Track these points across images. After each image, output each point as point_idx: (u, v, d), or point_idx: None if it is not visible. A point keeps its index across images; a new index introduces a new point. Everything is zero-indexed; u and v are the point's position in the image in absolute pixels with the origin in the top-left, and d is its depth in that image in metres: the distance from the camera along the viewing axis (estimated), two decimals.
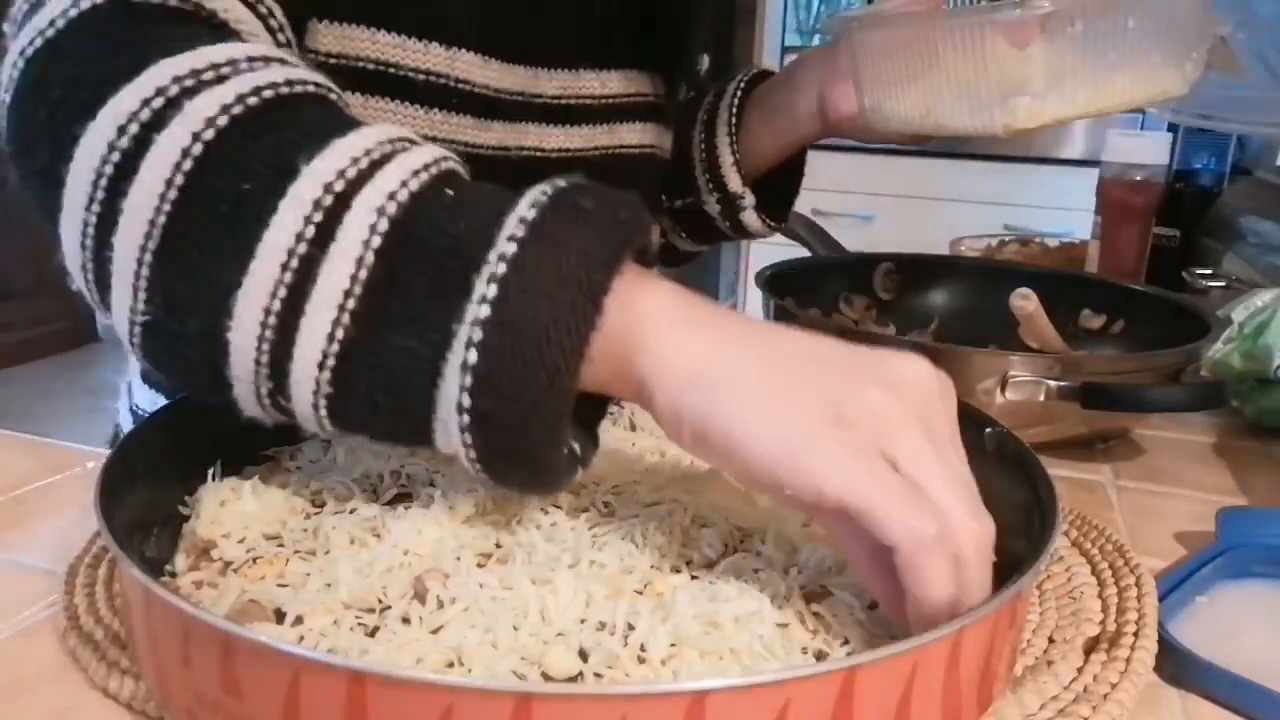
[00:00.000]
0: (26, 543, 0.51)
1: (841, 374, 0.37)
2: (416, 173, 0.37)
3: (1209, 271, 1.14)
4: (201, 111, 0.38)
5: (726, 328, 0.38)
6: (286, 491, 0.47)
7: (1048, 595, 0.47)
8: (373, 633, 0.37)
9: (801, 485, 0.34)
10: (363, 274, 0.36)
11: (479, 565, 0.42)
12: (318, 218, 0.36)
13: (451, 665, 0.35)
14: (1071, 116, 0.63)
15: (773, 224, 0.85)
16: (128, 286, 0.39)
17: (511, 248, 0.35)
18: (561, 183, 0.37)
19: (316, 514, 0.46)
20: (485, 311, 0.34)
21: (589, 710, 0.29)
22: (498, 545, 0.43)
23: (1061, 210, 2.18)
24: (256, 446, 0.52)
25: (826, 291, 0.89)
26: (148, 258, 0.38)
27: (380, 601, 0.39)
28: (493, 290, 0.34)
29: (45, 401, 3.15)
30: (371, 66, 0.58)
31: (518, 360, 0.34)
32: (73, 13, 0.42)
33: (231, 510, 0.45)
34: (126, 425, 0.78)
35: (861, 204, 2.46)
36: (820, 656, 0.37)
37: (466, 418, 0.36)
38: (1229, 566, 0.50)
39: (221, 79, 0.39)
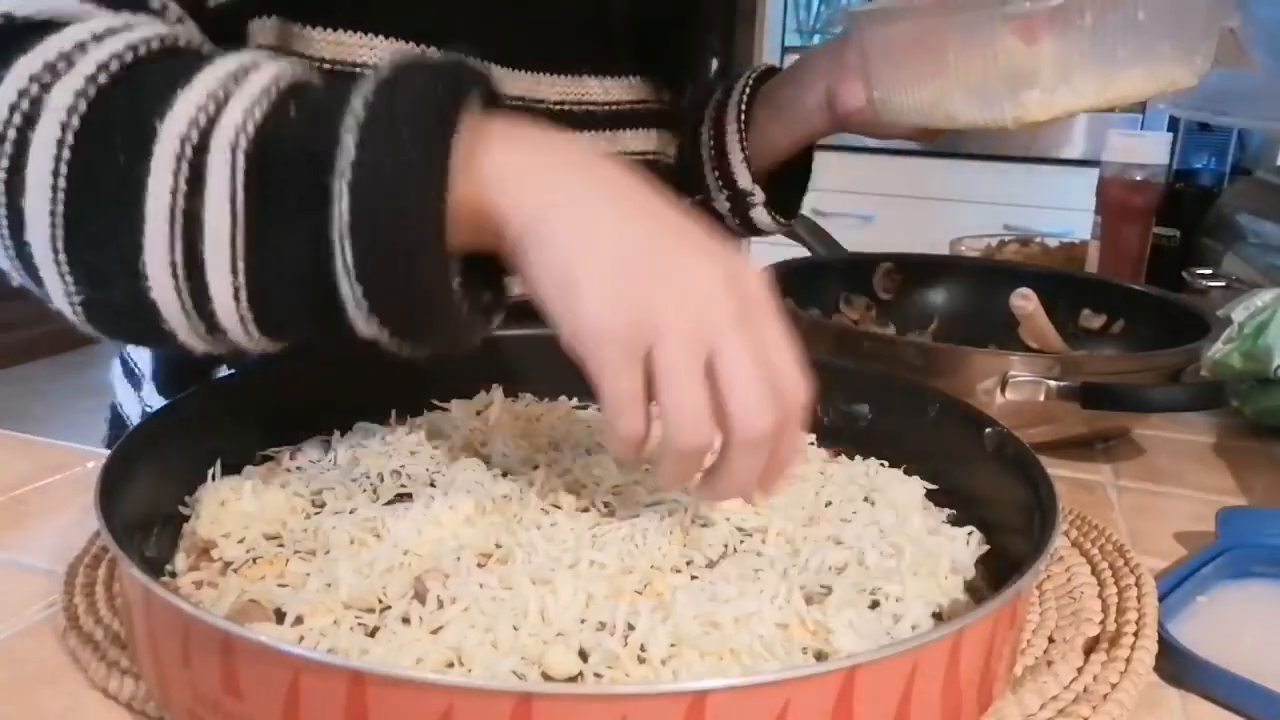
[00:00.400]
0: (26, 543, 0.51)
1: (670, 256, 0.39)
2: (257, 100, 0.40)
3: (1209, 271, 1.14)
4: (60, 103, 0.40)
5: (577, 173, 0.41)
6: (286, 491, 0.47)
7: (1048, 595, 0.47)
8: (373, 633, 0.37)
9: (563, 322, 0.38)
10: (239, 208, 0.39)
11: (479, 565, 0.42)
12: (184, 170, 0.39)
13: (451, 665, 0.35)
14: (1081, 108, 0.63)
15: (783, 220, 0.85)
16: (54, 275, 0.42)
17: (351, 138, 0.37)
18: (385, 70, 0.39)
19: (316, 514, 0.46)
20: (347, 202, 0.37)
21: (589, 710, 0.29)
22: (498, 545, 0.43)
23: (1061, 210, 2.18)
24: (256, 446, 0.52)
25: (826, 291, 0.89)
26: (59, 245, 0.41)
27: (380, 601, 0.39)
28: (347, 178, 0.37)
29: (45, 401, 3.15)
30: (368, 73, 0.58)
31: (385, 221, 0.37)
32: None
33: (231, 510, 0.45)
34: (115, 423, 0.78)
35: (861, 204, 2.46)
36: (820, 656, 0.37)
37: (361, 291, 0.38)
38: (1229, 566, 0.50)
39: (71, 65, 0.41)
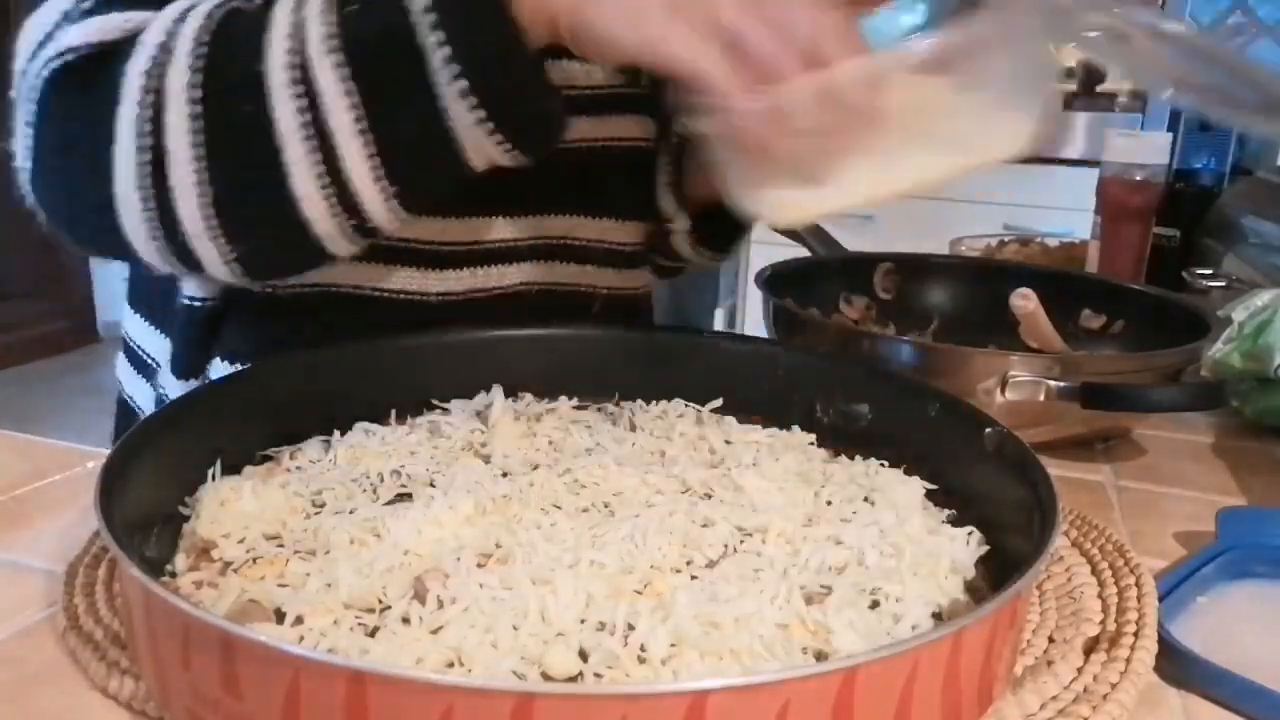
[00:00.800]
0: (26, 543, 0.51)
1: None
2: (324, 11, 0.47)
3: (1209, 271, 1.14)
4: (178, 84, 0.48)
5: None
6: (287, 491, 0.47)
7: (1048, 595, 0.47)
8: (373, 633, 0.37)
9: (644, 53, 0.44)
10: (355, 101, 0.47)
11: (479, 565, 0.42)
12: (299, 90, 0.47)
13: (451, 665, 0.35)
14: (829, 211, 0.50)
15: (706, 254, 0.81)
16: (207, 244, 0.50)
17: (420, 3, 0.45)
18: None
19: (316, 514, 0.46)
20: (444, 52, 0.45)
21: (589, 710, 0.29)
22: (498, 545, 0.43)
23: (1061, 210, 2.18)
24: (256, 446, 0.52)
25: (826, 291, 0.89)
26: (211, 211, 0.49)
27: (380, 601, 0.39)
28: (437, 35, 0.45)
29: (45, 401, 3.15)
30: None
31: (485, 59, 0.46)
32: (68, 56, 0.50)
33: (231, 510, 0.45)
34: (123, 416, 0.78)
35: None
36: (820, 656, 0.37)
37: (483, 116, 0.47)
38: (1229, 566, 0.50)
39: (169, 52, 0.48)
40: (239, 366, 0.67)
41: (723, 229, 0.80)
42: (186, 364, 0.70)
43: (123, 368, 0.77)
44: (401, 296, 0.67)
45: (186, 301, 0.68)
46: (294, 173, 0.47)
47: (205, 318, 0.68)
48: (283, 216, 0.49)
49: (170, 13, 0.50)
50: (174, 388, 0.71)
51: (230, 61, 0.48)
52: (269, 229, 0.50)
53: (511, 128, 0.48)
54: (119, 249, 0.52)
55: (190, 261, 0.51)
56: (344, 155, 0.47)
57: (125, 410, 0.78)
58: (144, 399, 0.75)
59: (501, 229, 0.70)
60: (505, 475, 0.50)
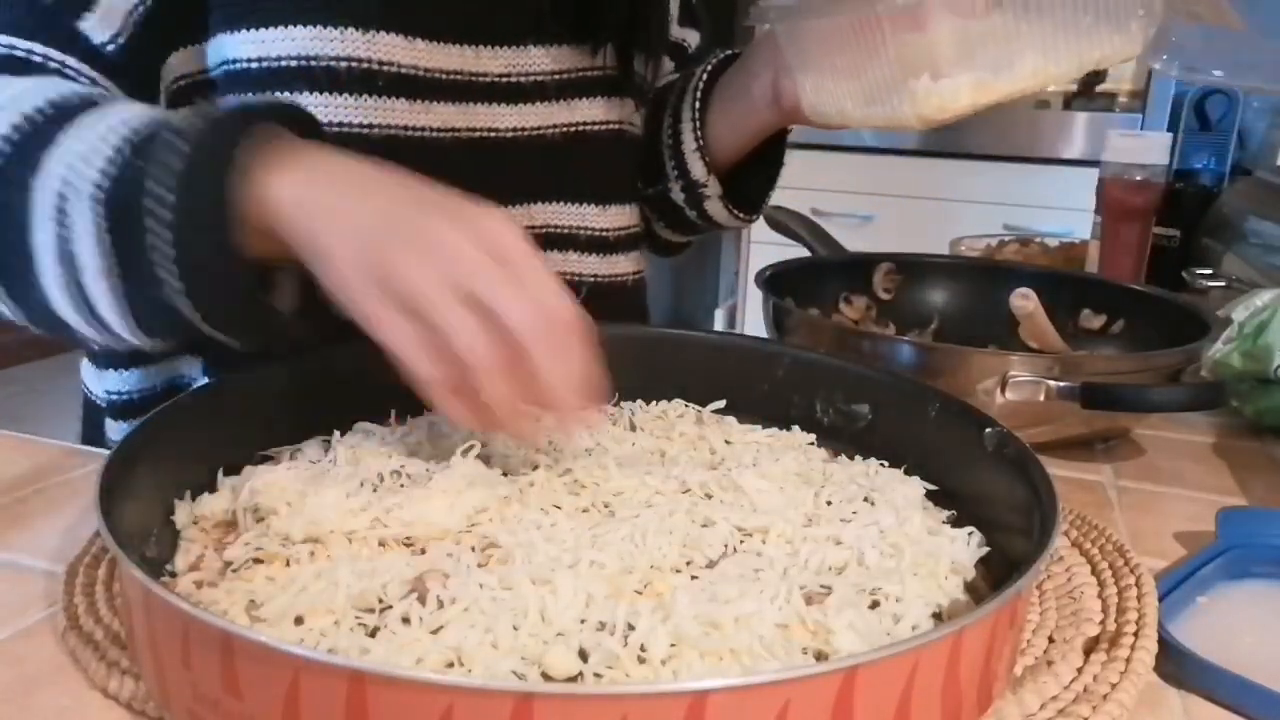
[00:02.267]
0: (26, 543, 0.51)
1: (413, 221, 0.45)
2: (111, 157, 0.47)
3: (1209, 271, 1.14)
4: None
5: (338, 182, 0.47)
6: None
7: (1048, 595, 0.47)
8: (373, 633, 0.37)
9: (336, 299, 0.45)
10: (106, 247, 0.47)
11: (479, 565, 0.42)
12: (60, 218, 0.48)
13: (451, 665, 0.35)
14: (994, 96, 0.57)
15: (741, 215, 0.82)
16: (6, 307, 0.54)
17: (164, 192, 0.45)
18: (192, 126, 0.47)
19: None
20: (169, 239, 0.46)
21: (589, 710, 0.29)
22: (498, 545, 0.43)
23: (1061, 210, 2.18)
24: (256, 446, 0.52)
25: (826, 291, 0.89)
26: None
27: (380, 601, 0.39)
28: (165, 222, 0.45)
29: (45, 401, 3.15)
30: (293, 64, 0.60)
31: (196, 242, 0.46)
32: None
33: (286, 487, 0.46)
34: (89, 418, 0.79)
35: (861, 204, 2.46)
36: (820, 656, 0.37)
37: (196, 312, 0.47)
38: (1229, 566, 0.50)
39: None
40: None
41: (754, 185, 0.81)
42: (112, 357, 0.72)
43: (84, 366, 0.77)
44: None
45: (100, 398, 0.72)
46: (44, 279, 0.49)
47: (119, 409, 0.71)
48: (41, 304, 0.51)
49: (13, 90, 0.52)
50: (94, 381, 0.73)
51: (14, 166, 0.49)
52: (34, 309, 0.52)
53: (226, 330, 0.49)
54: None
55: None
56: (88, 285, 0.48)
57: (90, 407, 0.78)
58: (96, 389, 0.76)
59: None
60: (505, 475, 0.50)
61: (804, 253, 0.96)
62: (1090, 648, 0.42)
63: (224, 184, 0.45)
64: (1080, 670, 0.40)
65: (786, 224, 0.96)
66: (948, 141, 2.41)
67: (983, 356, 0.68)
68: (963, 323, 0.89)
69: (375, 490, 0.48)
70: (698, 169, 0.78)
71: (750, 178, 0.81)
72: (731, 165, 0.80)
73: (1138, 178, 1.05)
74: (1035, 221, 2.14)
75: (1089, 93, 2.48)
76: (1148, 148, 1.06)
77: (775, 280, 0.81)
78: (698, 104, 0.78)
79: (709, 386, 0.62)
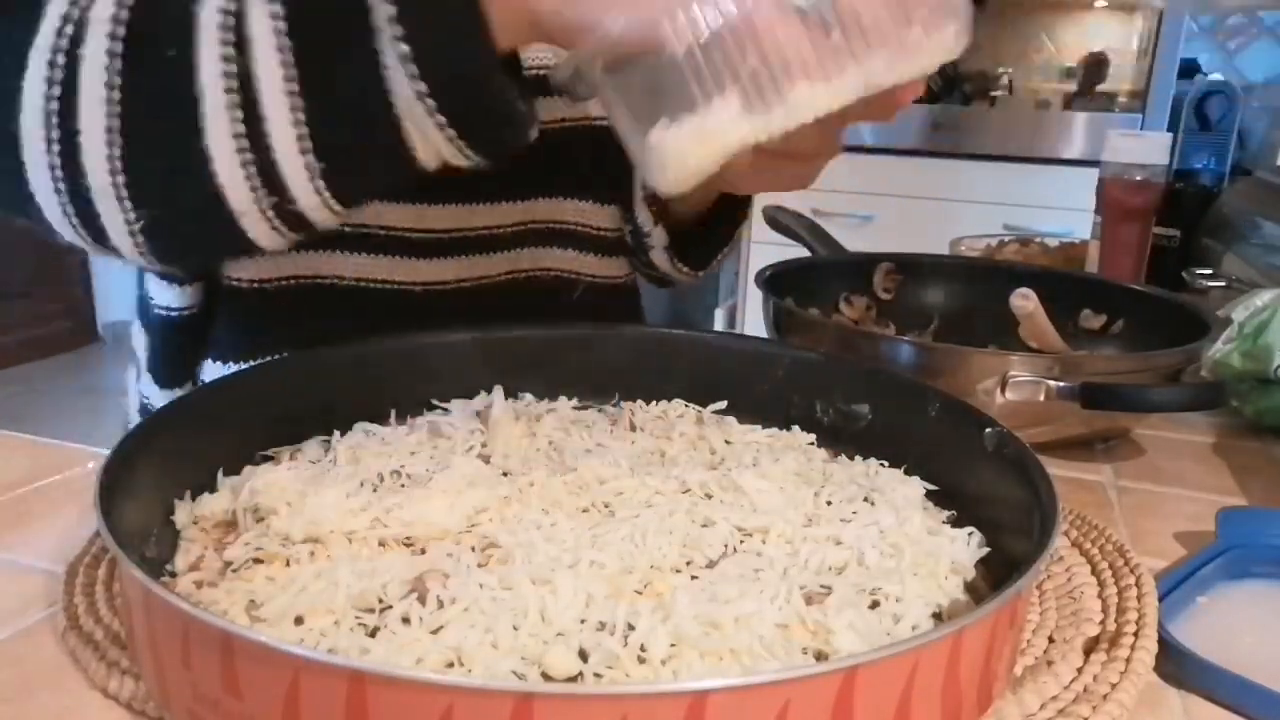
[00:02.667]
0: (26, 543, 0.51)
1: None
2: None
3: (1209, 271, 1.14)
4: (103, 15, 0.41)
5: None
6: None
7: (1048, 595, 0.47)
8: (373, 633, 0.37)
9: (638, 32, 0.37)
10: (287, 56, 0.40)
11: (479, 565, 0.42)
12: (228, 36, 0.40)
13: (451, 665, 0.35)
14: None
15: (685, 271, 0.79)
16: (112, 203, 0.43)
17: None
18: None
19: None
20: (389, 10, 0.38)
21: (589, 710, 0.29)
22: (498, 545, 0.43)
23: (1061, 210, 2.18)
24: (256, 446, 0.52)
25: (826, 291, 0.89)
26: (118, 164, 0.42)
27: (380, 601, 0.39)
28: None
29: (45, 401, 3.15)
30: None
31: (435, 25, 0.39)
32: None
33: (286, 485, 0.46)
34: (135, 419, 0.78)
35: (861, 204, 2.46)
36: (820, 656, 0.37)
37: (424, 90, 0.39)
38: (1229, 566, 0.50)
39: None
40: (228, 366, 0.68)
41: (702, 245, 0.78)
42: (167, 373, 0.70)
43: (144, 373, 0.76)
44: (387, 287, 0.67)
45: (162, 311, 0.67)
46: (210, 128, 0.41)
47: (183, 326, 0.67)
48: (192, 180, 0.42)
49: None
50: (156, 395, 0.71)
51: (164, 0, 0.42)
52: (178, 193, 0.43)
53: (457, 111, 0.41)
54: (21, 201, 0.45)
55: (94, 228, 0.45)
56: (268, 116, 0.40)
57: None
58: (131, 399, 0.75)
59: (485, 215, 0.70)
60: (505, 475, 0.50)
61: (804, 253, 0.96)
62: (1090, 648, 0.42)
63: None
64: (1080, 670, 0.40)
65: (786, 224, 0.96)
66: (948, 141, 2.41)
67: (983, 356, 0.68)
68: (963, 323, 0.89)
69: (375, 490, 0.48)
70: (644, 217, 0.75)
71: (703, 235, 0.77)
72: (690, 216, 0.75)
73: (1138, 178, 1.05)
74: (1035, 221, 2.14)
75: (1089, 93, 2.48)
76: (1148, 148, 1.06)
77: (775, 280, 0.81)
78: None
79: (709, 386, 0.62)
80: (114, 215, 0.43)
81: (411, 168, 0.43)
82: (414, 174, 0.43)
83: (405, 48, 0.39)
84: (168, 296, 0.67)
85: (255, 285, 0.65)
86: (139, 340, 0.73)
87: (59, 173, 0.43)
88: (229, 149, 0.41)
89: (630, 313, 0.84)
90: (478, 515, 0.46)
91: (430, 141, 0.42)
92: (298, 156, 0.41)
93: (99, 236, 0.45)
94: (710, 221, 0.76)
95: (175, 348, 0.68)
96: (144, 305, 0.70)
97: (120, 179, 0.42)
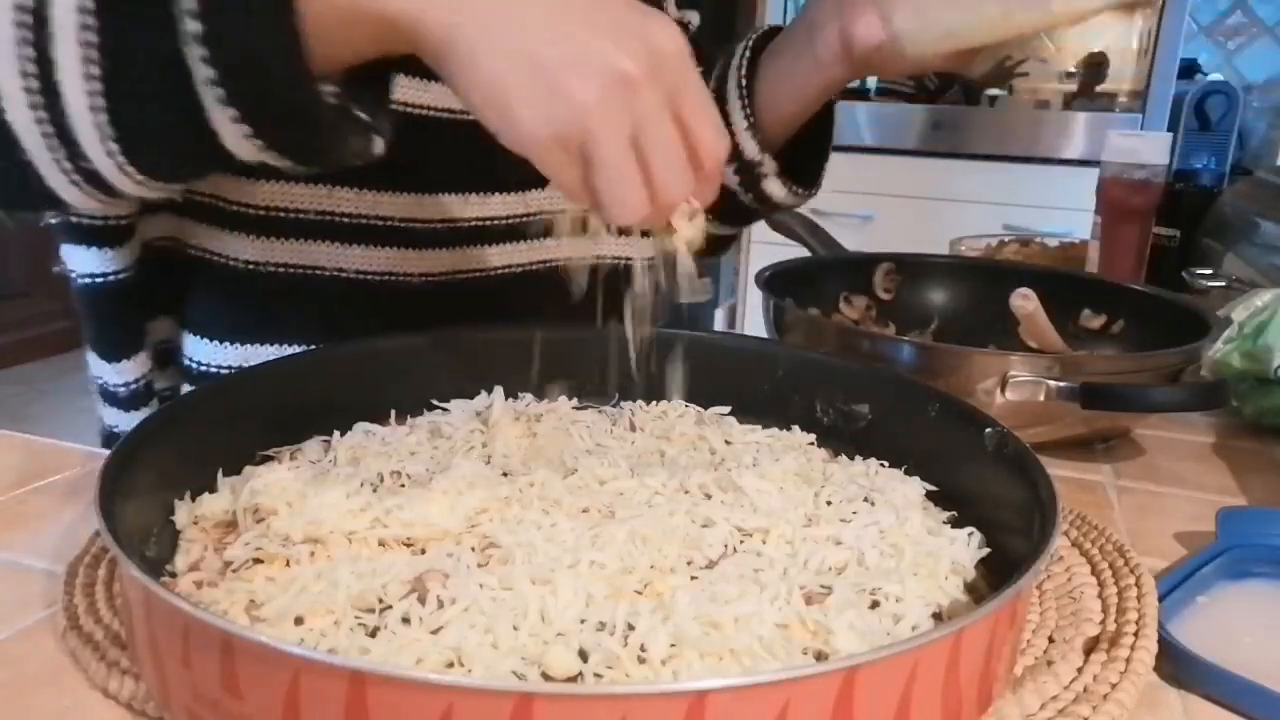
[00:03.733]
0: (26, 543, 0.51)
1: (586, 28, 0.40)
2: None
3: (1209, 271, 1.14)
4: None
5: None
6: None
7: (1048, 595, 0.47)
8: (373, 633, 0.37)
9: (503, 140, 0.40)
10: (88, 3, 0.37)
11: (479, 565, 0.42)
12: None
13: (451, 665, 0.35)
14: None
15: (800, 190, 0.80)
16: None
17: None
18: None
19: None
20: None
21: (589, 710, 0.29)
22: (498, 545, 0.43)
23: (1061, 210, 2.18)
24: (256, 446, 0.52)
25: (826, 291, 0.89)
26: None
27: (380, 601, 0.39)
28: None
29: (45, 401, 3.15)
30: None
31: (231, 5, 0.37)
32: None
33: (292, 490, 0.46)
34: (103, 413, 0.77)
35: (861, 204, 2.46)
36: (820, 656, 0.37)
37: (216, 83, 0.37)
38: (1229, 566, 0.50)
39: None
40: (216, 344, 0.67)
41: (809, 158, 0.79)
42: (107, 344, 0.68)
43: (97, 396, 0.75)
44: (383, 279, 0.67)
45: (86, 280, 0.65)
46: (4, 91, 0.38)
47: (113, 292, 0.65)
48: None
49: None
50: (107, 372, 0.69)
51: None
52: None
53: (249, 105, 0.39)
54: None
55: None
56: (57, 60, 0.37)
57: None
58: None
59: (476, 207, 0.70)
60: (505, 475, 0.50)
61: (804, 253, 0.96)
62: (1090, 648, 0.42)
63: None
64: (1080, 670, 0.40)
65: (786, 224, 0.96)
66: (948, 141, 2.41)
67: (983, 356, 0.67)
68: (963, 323, 0.89)
69: (375, 490, 0.48)
70: (751, 148, 0.76)
71: (803, 150, 0.78)
72: (783, 140, 0.78)
73: (1138, 178, 1.05)
74: (1035, 221, 2.13)
75: (1089, 93, 2.48)
76: (1148, 148, 1.06)
77: (775, 280, 0.81)
78: (744, 80, 0.76)
79: (709, 386, 0.62)
80: None
81: (225, 154, 0.41)
82: (241, 160, 0.41)
83: (196, 26, 0.37)
84: (86, 262, 0.64)
85: (250, 267, 0.65)
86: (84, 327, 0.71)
87: None
88: (16, 85, 0.38)
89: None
90: (478, 516, 0.46)
91: (230, 132, 0.40)
92: (88, 114, 0.39)
93: None
94: (808, 138, 0.78)
95: (110, 319, 0.66)
96: (76, 287, 0.67)
97: None
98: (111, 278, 0.64)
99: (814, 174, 0.81)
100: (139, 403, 0.70)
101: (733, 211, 0.82)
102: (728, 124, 0.76)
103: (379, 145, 0.44)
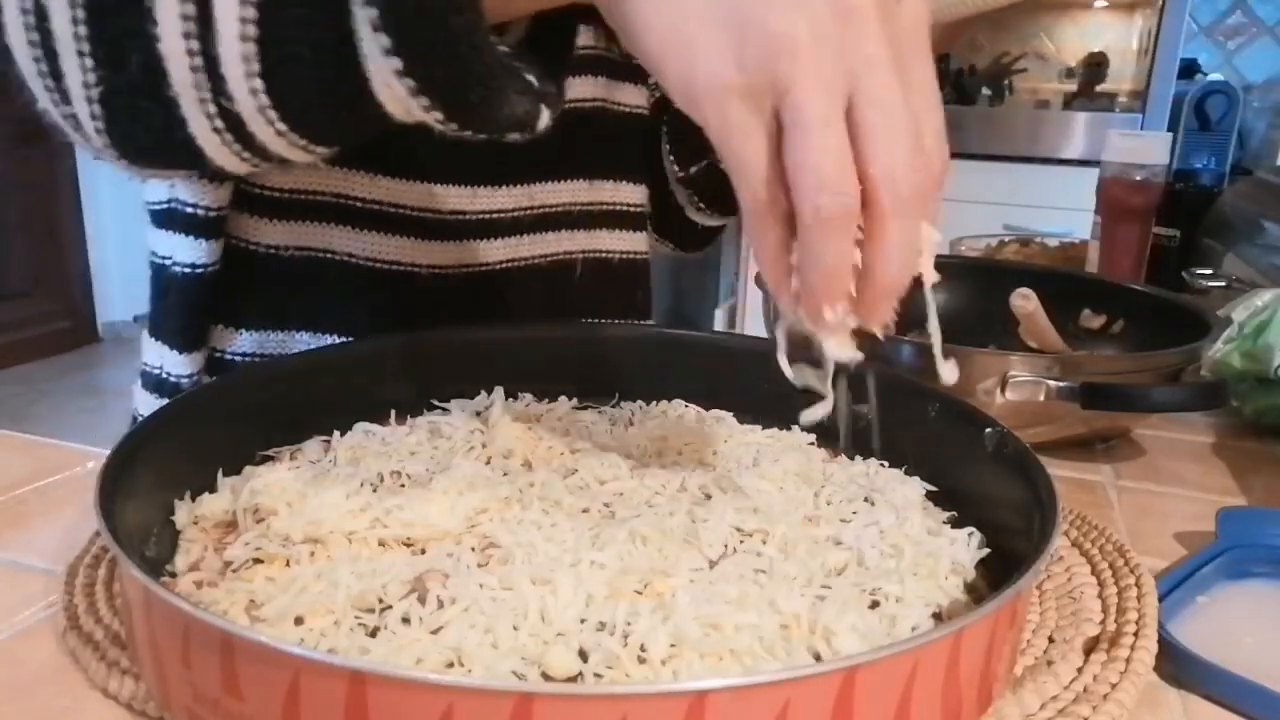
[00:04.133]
0: (26, 543, 0.51)
1: None
2: None
3: (1209, 271, 1.14)
4: None
5: None
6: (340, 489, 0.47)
7: (1048, 595, 0.47)
8: (373, 633, 0.37)
9: (678, 94, 0.33)
10: None
11: (479, 565, 0.42)
12: None
13: (451, 665, 0.35)
14: None
15: (718, 215, 0.82)
16: (75, 64, 0.39)
17: None
18: None
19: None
20: None
21: (589, 710, 0.29)
22: (498, 545, 0.43)
23: (1061, 210, 2.18)
24: (256, 446, 0.52)
25: None
26: (80, 26, 0.39)
27: (380, 601, 0.39)
28: None
29: (45, 401, 3.15)
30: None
31: None
32: None
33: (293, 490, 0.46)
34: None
35: None
36: (820, 656, 0.37)
37: (375, 18, 0.34)
38: (1229, 566, 0.50)
39: None
40: (237, 332, 0.68)
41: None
42: (188, 337, 0.67)
43: (138, 385, 0.76)
44: (393, 268, 0.67)
45: (184, 270, 0.65)
46: (161, 19, 0.37)
47: (204, 286, 0.65)
48: (140, 39, 0.38)
49: None
50: (173, 362, 0.68)
51: None
52: (125, 52, 0.39)
53: (414, 56, 0.35)
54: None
55: (61, 91, 0.41)
56: (219, 27, 0.37)
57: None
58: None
59: (488, 199, 0.70)
60: (505, 475, 0.50)
61: None
62: (1090, 648, 0.42)
63: None
64: (1080, 670, 0.40)
65: None
66: (948, 141, 2.41)
67: (983, 356, 0.67)
68: (963, 323, 0.89)
69: (375, 490, 0.48)
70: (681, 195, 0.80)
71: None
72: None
73: (1138, 178, 1.05)
74: (1035, 221, 2.13)
75: (1089, 93, 2.48)
76: (1148, 148, 1.06)
77: None
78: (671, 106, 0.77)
79: (709, 386, 0.62)
80: (75, 75, 0.40)
81: (378, 115, 0.38)
82: (388, 125, 0.39)
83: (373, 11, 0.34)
84: (187, 251, 0.65)
85: (268, 251, 0.66)
86: (154, 311, 0.70)
87: (33, 34, 0.40)
88: (175, 13, 0.37)
89: (635, 292, 0.84)
90: (478, 516, 0.46)
91: (397, 97, 0.37)
92: (237, 43, 0.37)
93: (65, 99, 0.41)
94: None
95: (198, 309, 0.67)
96: (159, 273, 0.68)
97: (81, 30, 0.39)
98: (206, 269, 0.65)
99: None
100: None
101: (727, 198, 0.82)
102: (659, 164, 0.77)
103: (544, 116, 0.39)
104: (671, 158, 0.78)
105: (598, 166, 0.76)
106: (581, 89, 0.74)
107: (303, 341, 0.67)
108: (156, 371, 0.69)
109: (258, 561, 0.42)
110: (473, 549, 0.43)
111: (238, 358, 0.68)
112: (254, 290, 0.67)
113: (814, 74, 0.31)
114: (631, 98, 0.75)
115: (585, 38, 0.73)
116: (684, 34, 0.32)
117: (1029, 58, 2.56)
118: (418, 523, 0.44)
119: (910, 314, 0.91)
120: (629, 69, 0.76)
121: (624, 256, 0.82)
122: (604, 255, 0.79)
